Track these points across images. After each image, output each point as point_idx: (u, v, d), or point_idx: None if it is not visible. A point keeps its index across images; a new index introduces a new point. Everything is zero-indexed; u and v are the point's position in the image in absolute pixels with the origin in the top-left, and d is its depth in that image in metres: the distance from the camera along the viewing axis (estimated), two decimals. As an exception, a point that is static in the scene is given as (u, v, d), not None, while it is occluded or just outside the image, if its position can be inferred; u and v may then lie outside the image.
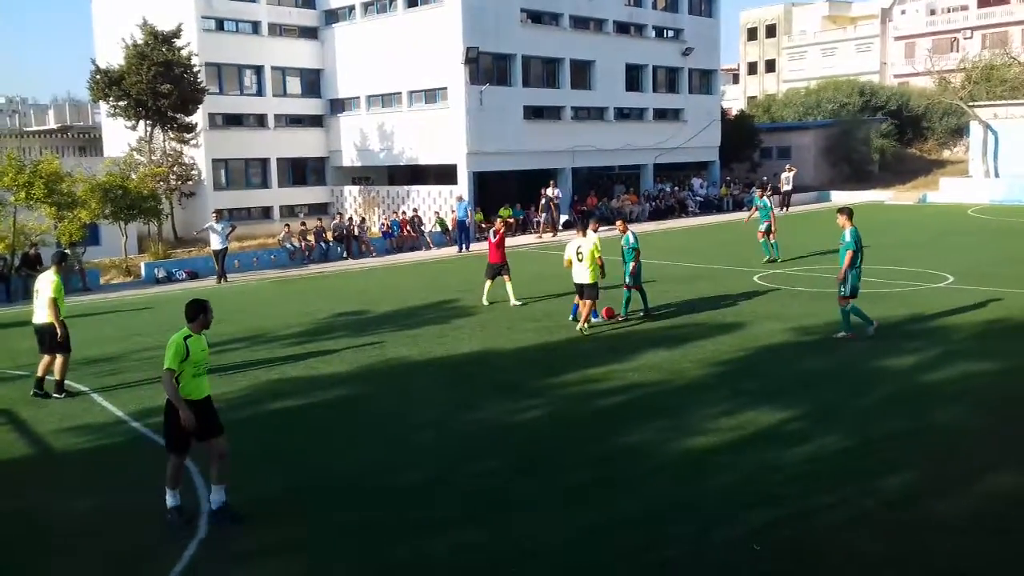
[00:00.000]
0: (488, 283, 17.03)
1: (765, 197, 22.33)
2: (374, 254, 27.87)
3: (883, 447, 8.38)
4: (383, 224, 30.03)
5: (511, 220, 31.24)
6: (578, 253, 14.39)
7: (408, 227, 29.62)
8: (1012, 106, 41.01)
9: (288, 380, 11.89)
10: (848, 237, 12.59)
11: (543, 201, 31.42)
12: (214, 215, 23.48)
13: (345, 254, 27.68)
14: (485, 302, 16.76)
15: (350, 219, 29.46)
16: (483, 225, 31.91)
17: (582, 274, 14.35)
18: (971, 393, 10.04)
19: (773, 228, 21.57)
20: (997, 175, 40.54)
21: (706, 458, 8.27)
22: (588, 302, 14.45)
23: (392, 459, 8.67)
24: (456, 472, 8.23)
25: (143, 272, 24.35)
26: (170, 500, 7.19)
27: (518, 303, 16.53)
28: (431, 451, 8.85)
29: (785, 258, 21.92)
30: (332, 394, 11.20)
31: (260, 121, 35.63)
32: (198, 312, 7.23)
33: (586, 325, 14.46)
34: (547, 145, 33.96)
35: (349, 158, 36.27)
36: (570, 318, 14.78)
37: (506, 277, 16.79)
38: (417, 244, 29.32)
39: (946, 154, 50.49)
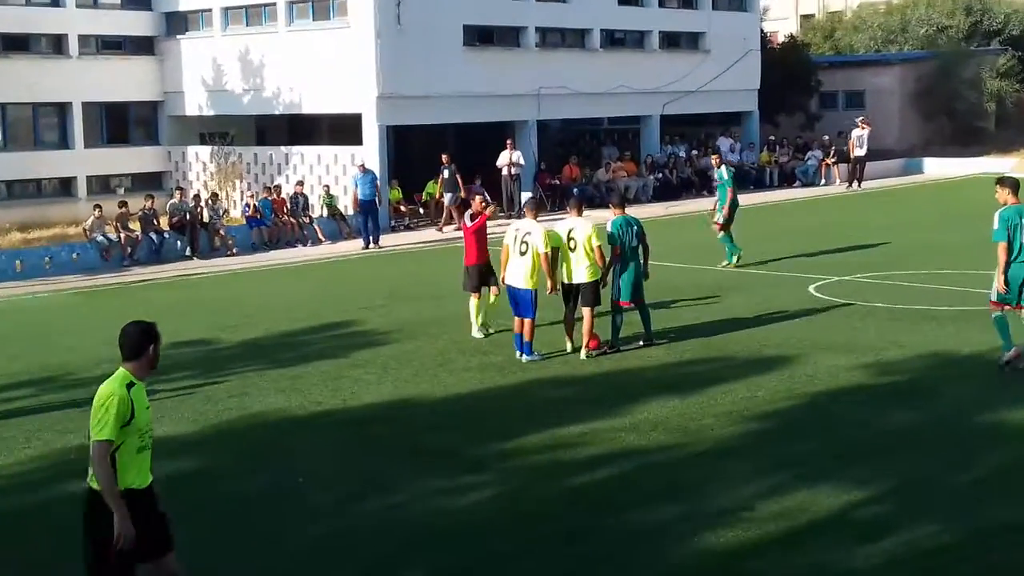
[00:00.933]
0: (474, 300, 16.22)
1: (723, 169, 22.69)
2: (234, 251, 27.69)
3: (999, 544, 8.52)
4: (248, 205, 29.86)
5: (440, 199, 31.20)
6: (569, 239, 14.67)
7: (287, 210, 29.48)
8: None
9: (97, 447, 11.81)
10: (996, 222, 12.98)
11: (446, 174, 30.85)
12: None
13: (189, 251, 27.47)
14: (477, 334, 16.15)
15: (196, 197, 29.23)
16: (401, 207, 31.91)
17: (576, 270, 14.66)
18: None
19: (723, 214, 21.89)
20: None
21: (735, 562, 8.32)
22: (588, 310, 14.76)
23: (261, 567, 8.59)
24: (357, 588, 8.20)
25: None
26: None
27: (480, 335, 16.23)
28: (320, 556, 8.79)
29: (855, 256, 22.24)
30: (166, 468, 11.00)
31: (56, 45, 35.19)
32: (146, 342, 6.55)
33: (591, 351, 14.81)
34: (500, 86, 34.06)
35: (196, 104, 36.01)
36: (519, 355, 14.85)
37: (493, 289, 16.00)
38: (300, 236, 29.21)
39: (1094, 104, 51.68)
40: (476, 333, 16.18)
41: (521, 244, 14.61)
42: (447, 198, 30.80)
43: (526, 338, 14.76)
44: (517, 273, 14.69)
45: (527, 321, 14.67)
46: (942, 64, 47.79)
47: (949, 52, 48.65)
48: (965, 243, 21.67)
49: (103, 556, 6.46)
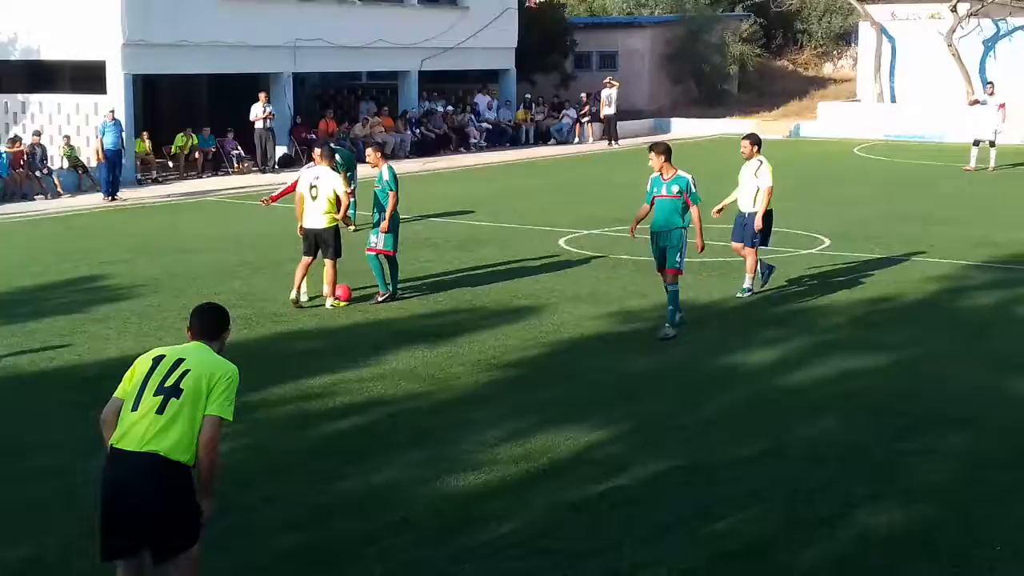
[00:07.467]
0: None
1: (385, 168, 15.44)
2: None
3: (727, 476, 8.97)
4: (-19, 157, 28.26)
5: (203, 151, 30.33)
6: (311, 187, 14.74)
7: (24, 162, 28.07)
8: (915, 2, 44.56)
9: None
10: (694, 186, 14.90)
11: None
12: None
13: (-85, 205, 25.83)
14: (303, 297, 14.98)
15: (-77, 147, 27.48)
16: (148, 160, 30.86)
17: (316, 217, 14.74)
18: (847, 398, 10.99)
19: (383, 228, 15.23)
20: (894, 100, 44.36)
21: (474, 503, 8.50)
22: (331, 262, 14.81)
23: (-22, 530, 8.23)
24: (82, 547, 7.89)
25: None
26: None
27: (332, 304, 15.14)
28: (45, 517, 8.55)
29: (604, 211, 22.83)
30: None
31: None
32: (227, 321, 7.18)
33: (341, 302, 14.93)
34: (255, 36, 33.24)
35: (-78, 48, 33.75)
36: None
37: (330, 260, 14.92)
38: (40, 189, 27.90)
39: (827, 69, 54.61)
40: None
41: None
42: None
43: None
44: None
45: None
46: (689, 28, 49.42)
47: (695, 16, 50.36)
48: (706, 200, 22.48)
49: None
